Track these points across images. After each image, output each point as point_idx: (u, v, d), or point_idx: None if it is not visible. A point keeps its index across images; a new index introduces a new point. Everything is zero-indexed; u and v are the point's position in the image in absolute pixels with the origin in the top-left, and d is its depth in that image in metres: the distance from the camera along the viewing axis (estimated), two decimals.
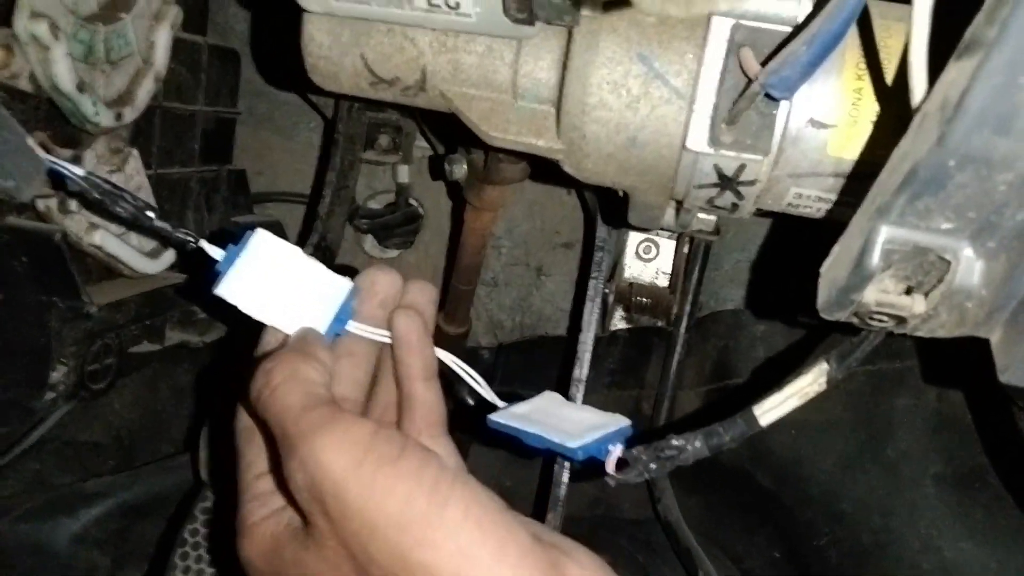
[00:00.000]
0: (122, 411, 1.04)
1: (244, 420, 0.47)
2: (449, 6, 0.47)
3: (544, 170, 0.90)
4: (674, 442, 0.46)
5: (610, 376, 0.96)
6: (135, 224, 0.48)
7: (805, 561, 0.79)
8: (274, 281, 0.47)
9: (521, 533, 0.38)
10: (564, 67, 0.49)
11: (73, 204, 0.73)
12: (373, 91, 0.56)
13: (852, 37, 0.45)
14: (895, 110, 0.45)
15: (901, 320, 0.39)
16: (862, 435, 0.75)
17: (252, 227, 0.50)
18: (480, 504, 0.37)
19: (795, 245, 0.85)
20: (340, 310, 0.48)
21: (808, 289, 0.42)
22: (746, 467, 0.83)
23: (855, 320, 0.40)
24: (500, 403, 0.51)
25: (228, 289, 0.47)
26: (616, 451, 0.46)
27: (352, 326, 0.49)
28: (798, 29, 0.45)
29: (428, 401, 0.49)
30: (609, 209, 0.83)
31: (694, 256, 0.88)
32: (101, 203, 0.47)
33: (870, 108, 0.45)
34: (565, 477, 0.81)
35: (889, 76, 0.45)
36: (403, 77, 0.54)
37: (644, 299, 0.93)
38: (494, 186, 0.80)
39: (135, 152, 0.80)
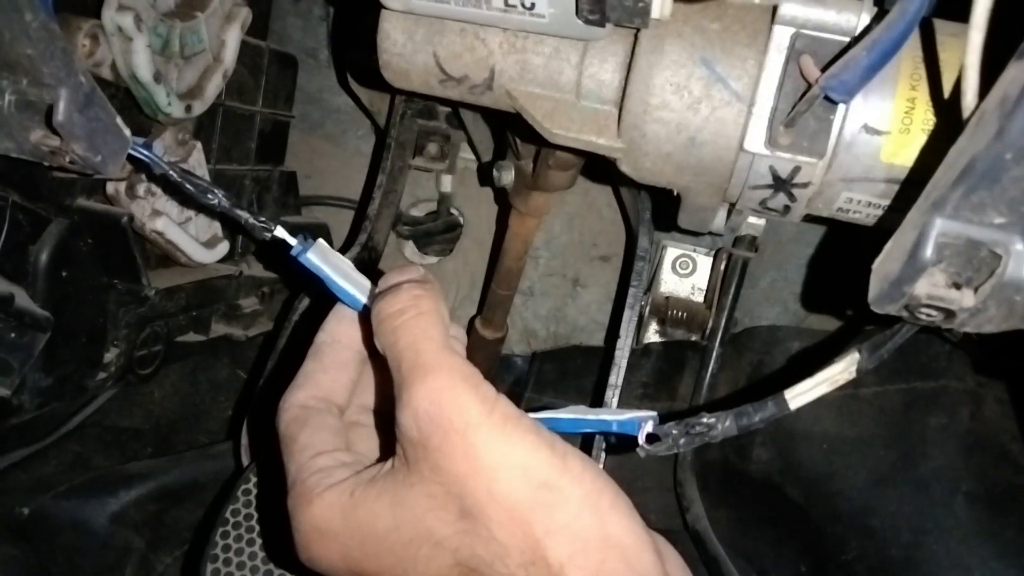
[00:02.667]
0: (162, 400, 1.06)
1: (293, 412, 0.47)
2: (524, 7, 0.49)
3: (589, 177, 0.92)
4: (704, 419, 0.47)
5: (642, 388, 0.97)
6: (212, 209, 0.52)
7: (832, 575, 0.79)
8: (338, 270, 0.50)
9: (626, 497, 0.40)
10: (629, 69, 0.51)
11: (140, 189, 0.77)
12: (442, 89, 0.58)
13: (908, 49, 0.48)
14: (947, 120, 0.47)
15: (950, 314, 0.40)
16: (894, 452, 0.76)
17: (305, 228, 0.53)
18: (592, 461, 0.40)
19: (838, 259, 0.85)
20: None
21: (858, 287, 0.44)
22: (776, 480, 0.84)
23: (904, 314, 0.42)
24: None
25: (312, 255, 0.50)
26: (648, 425, 0.48)
27: None
28: (855, 40, 0.47)
29: None
30: (655, 215, 0.85)
31: (731, 272, 0.90)
32: (186, 191, 0.50)
33: (923, 117, 0.48)
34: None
35: (942, 87, 0.47)
36: (472, 75, 0.56)
37: (680, 313, 0.95)
38: (540, 192, 0.82)
39: (199, 145, 0.83)
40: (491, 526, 0.38)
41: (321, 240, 0.52)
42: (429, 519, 0.39)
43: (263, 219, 0.52)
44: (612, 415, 0.51)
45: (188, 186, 0.52)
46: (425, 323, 0.41)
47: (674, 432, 0.48)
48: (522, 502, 0.37)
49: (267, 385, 0.89)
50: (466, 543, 0.38)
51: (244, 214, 0.52)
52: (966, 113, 0.38)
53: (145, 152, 0.56)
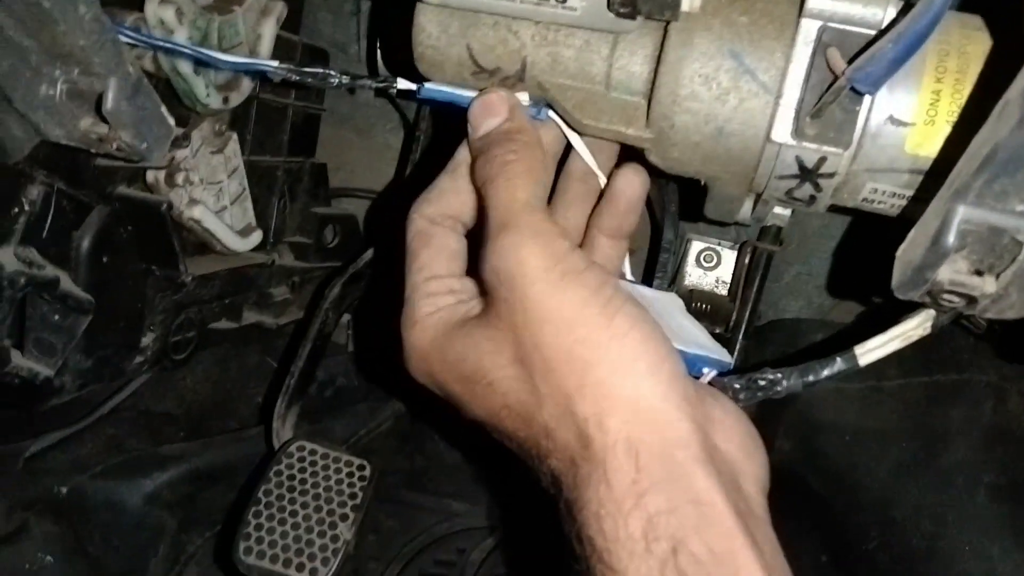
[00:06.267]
0: (194, 386, 1.09)
1: (420, 225, 0.50)
2: (557, 0, 0.51)
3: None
4: (768, 375, 0.47)
5: None
6: (337, 88, 0.59)
7: (853, 566, 0.80)
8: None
9: (676, 361, 0.41)
10: (658, 60, 0.53)
11: (179, 178, 0.79)
12: (474, 80, 0.60)
13: (933, 42, 0.48)
14: (971, 112, 0.48)
15: (972, 300, 0.41)
16: (917, 444, 0.77)
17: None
18: (646, 323, 0.41)
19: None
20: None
21: (882, 277, 0.45)
22: (798, 470, 0.85)
23: (927, 300, 0.43)
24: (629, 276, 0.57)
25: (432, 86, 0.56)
26: (710, 374, 0.48)
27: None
28: (881, 33, 0.48)
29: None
30: (681, 207, 0.86)
31: (755, 265, 0.91)
32: (307, 83, 0.62)
33: (947, 109, 0.48)
34: None
35: (967, 80, 0.48)
36: (504, 67, 0.58)
37: (704, 305, 0.96)
38: None
39: (235, 136, 0.85)
40: (534, 376, 0.40)
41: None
42: (486, 360, 0.42)
43: (382, 76, 0.58)
44: (693, 335, 0.51)
45: (308, 79, 0.57)
46: (514, 185, 0.45)
47: (736, 385, 0.48)
48: (559, 356, 0.39)
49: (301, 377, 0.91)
50: (514, 388, 0.41)
51: (367, 80, 0.58)
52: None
53: (263, 63, 0.59)
